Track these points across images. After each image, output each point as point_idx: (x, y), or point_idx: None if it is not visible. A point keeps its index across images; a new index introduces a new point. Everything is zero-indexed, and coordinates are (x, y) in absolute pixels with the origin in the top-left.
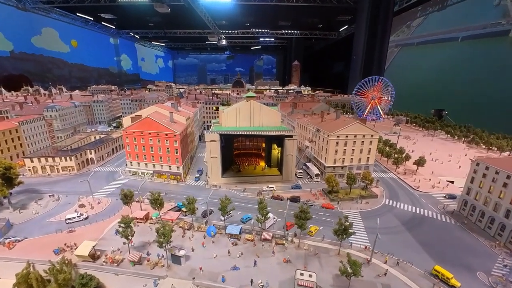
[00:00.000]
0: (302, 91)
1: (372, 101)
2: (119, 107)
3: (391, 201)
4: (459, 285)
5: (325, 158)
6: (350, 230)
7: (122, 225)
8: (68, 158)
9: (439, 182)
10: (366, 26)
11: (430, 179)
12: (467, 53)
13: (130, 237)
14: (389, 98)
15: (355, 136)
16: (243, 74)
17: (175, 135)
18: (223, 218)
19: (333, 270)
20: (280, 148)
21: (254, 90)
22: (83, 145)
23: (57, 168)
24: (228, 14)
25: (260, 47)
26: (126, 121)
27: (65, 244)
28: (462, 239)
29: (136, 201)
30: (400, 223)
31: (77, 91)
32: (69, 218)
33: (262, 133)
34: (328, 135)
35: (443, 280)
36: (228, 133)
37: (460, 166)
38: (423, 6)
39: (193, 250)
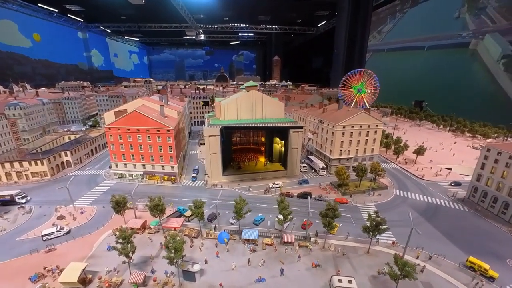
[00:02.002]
0: (287, 85)
1: (358, 94)
2: (94, 104)
3: (401, 192)
4: (497, 276)
5: (330, 150)
6: (382, 226)
7: (120, 240)
8: (39, 162)
9: (440, 170)
10: (347, 20)
11: (431, 168)
12: (433, 61)
13: (131, 254)
14: (373, 91)
15: (361, 126)
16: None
17: (168, 131)
18: (233, 221)
19: (367, 271)
20: (283, 141)
21: (236, 85)
22: (56, 147)
23: (25, 174)
24: (206, 8)
25: (239, 42)
26: (109, 116)
27: (44, 268)
28: (480, 227)
29: (130, 208)
30: (417, 214)
31: (44, 88)
32: (47, 234)
33: (270, 125)
34: (333, 126)
35: (480, 272)
36: (233, 126)
37: (454, 154)
38: (392, 11)
39: (206, 262)
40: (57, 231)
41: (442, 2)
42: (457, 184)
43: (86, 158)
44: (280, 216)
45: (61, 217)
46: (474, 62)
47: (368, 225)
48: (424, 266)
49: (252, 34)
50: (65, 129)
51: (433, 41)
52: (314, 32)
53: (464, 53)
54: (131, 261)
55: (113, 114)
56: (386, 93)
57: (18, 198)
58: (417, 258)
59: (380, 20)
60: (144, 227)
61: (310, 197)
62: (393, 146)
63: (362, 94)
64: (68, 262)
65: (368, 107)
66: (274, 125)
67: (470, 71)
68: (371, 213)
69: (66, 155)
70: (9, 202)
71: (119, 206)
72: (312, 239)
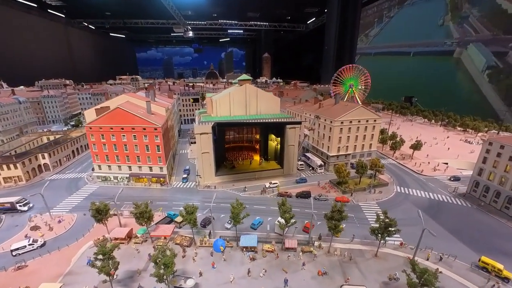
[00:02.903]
0: (279, 82)
1: (349, 89)
2: (77, 103)
3: (402, 188)
4: None
5: (328, 146)
6: (393, 228)
7: (100, 256)
8: (12, 165)
9: (438, 165)
10: (337, 16)
11: (429, 163)
12: (419, 67)
13: (113, 270)
14: (363, 87)
15: (359, 121)
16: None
17: (155, 129)
18: (228, 226)
19: (377, 277)
20: (279, 138)
21: (226, 83)
22: (33, 148)
23: None
24: (194, 3)
25: (228, 39)
26: (89, 114)
27: None
28: (485, 223)
29: (114, 215)
30: (421, 211)
31: (22, 87)
32: (17, 248)
33: (267, 121)
34: (331, 122)
35: (495, 273)
36: (227, 122)
37: (448, 148)
38: (379, 14)
39: (201, 274)
40: (30, 244)
41: (426, 9)
42: (456, 179)
43: (67, 160)
44: (282, 220)
45: (35, 228)
46: (458, 71)
47: (377, 226)
48: (437, 269)
49: (241, 31)
50: (45, 130)
51: (418, 48)
52: (304, 29)
53: (448, 61)
54: (115, 277)
55: (94, 111)
56: (375, 90)
57: (20, 206)
58: (428, 259)
59: (368, 24)
60: (129, 236)
61: (313, 198)
62: (389, 142)
63: (354, 90)
64: (40, 281)
65: (359, 103)
66: (271, 121)
67: (455, 80)
68: (380, 214)
69: (43, 158)
70: (10, 210)
71: (100, 214)
72: (316, 243)
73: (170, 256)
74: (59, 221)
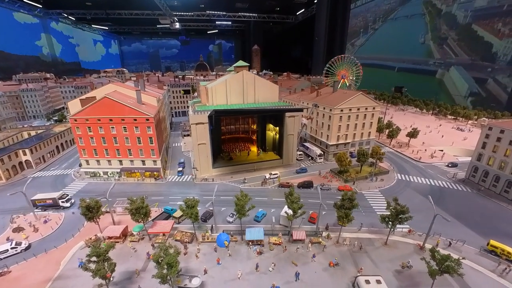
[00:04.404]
0: (271, 74)
1: (342, 79)
2: (60, 97)
3: (402, 176)
4: None
5: (327, 136)
6: (404, 215)
7: (94, 258)
8: None
9: (434, 152)
10: (327, 7)
11: (425, 150)
12: (404, 82)
13: (109, 272)
14: (354, 78)
15: (358, 109)
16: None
17: (147, 120)
18: (231, 220)
19: (389, 265)
20: (278, 128)
21: (216, 75)
22: (12, 145)
23: None
24: None
25: (217, 31)
26: (74, 105)
27: None
28: (486, 207)
29: (106, 212)
30: (423, 197)
31: None
32: None
33: (269, 108)
34: (330, 110)
35: (505, 256)
36: (226, 110)
37: (442, 136)
38: (364, 26)
39: (206, 272)
40: (12, 248)
41: (409, 26)
42: (454, 165)
43: (51, 156)
44: (290, 211)
45: (18, 229)
46: (441, 93)
47: (388, 214)
48: (449, 254)
49: (230, 23)
50: (25, 125)
51: (402, 63)
52: (293, 20)
53: (431, 81)
54: (112, 279)
55: (79, 102)
56: (365, 84)
57: (62, 202)
58: (437, 245)
59: (353, 34)
60: (125, 234)
61: (311, 187)
62: (386, 130)
63: (346, 81)
64: None
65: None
66: (271, 108)
67: (440, 100)
68: (390, 201)
69: (24, 154)
70: (52, 206)
71: (91, 211)
72: (324, 234)
73: (173, 255)
74: (45, 221)
